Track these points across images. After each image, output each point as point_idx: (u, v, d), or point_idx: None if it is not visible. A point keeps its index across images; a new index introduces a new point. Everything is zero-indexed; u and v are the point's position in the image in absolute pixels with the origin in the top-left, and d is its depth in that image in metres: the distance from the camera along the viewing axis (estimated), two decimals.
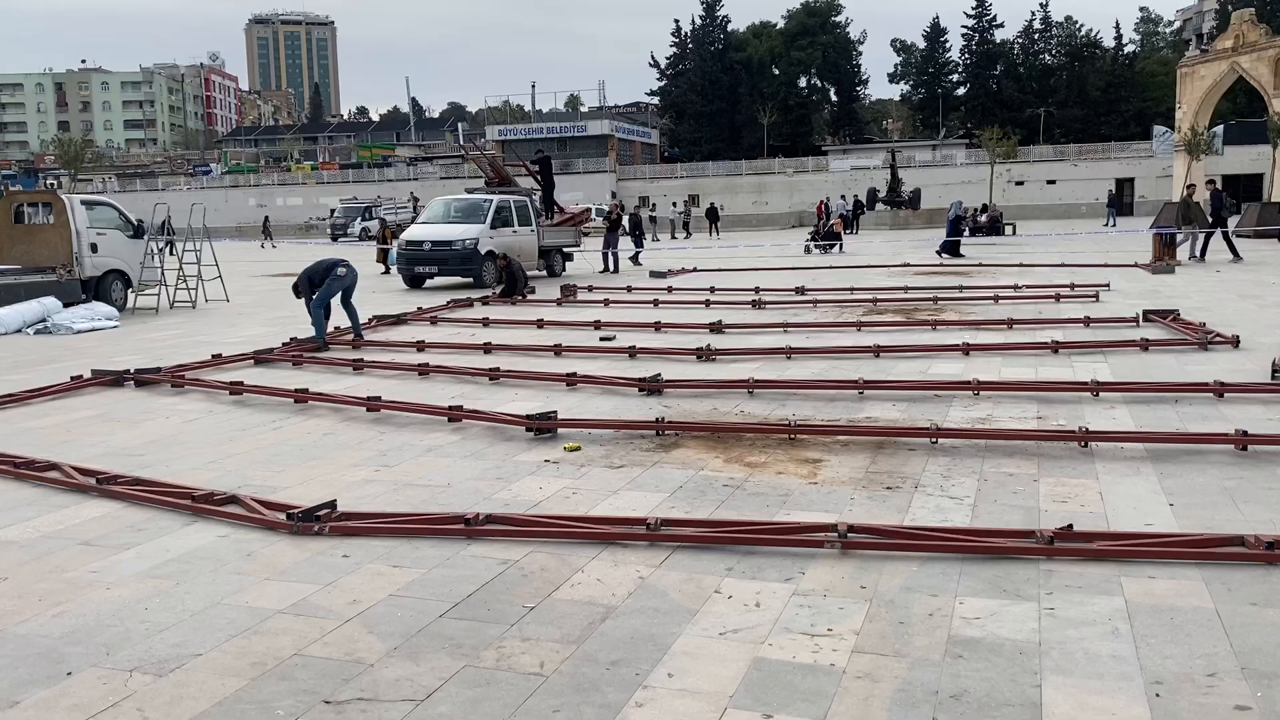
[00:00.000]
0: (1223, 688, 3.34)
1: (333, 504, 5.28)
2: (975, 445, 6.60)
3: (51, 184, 68.45)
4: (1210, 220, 24.34)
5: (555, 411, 7.33)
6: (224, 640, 3.85)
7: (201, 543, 5.02)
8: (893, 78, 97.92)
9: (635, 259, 28.15)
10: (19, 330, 14.75)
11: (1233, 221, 27.77)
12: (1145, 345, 10.37)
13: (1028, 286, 16.72)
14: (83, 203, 17.36)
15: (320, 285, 12.29)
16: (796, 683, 3.45)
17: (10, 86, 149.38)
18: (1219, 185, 27.89)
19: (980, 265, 22.99)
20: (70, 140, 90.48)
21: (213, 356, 10.96)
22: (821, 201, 57.80)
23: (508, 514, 5.14)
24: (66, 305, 15.70)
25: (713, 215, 52.70)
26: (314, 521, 5.05)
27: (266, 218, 60.32)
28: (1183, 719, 3.15)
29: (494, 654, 3.69)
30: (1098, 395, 8.02)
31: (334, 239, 51.91)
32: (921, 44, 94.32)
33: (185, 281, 18.10)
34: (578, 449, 6.71)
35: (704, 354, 10.51)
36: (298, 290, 12.68)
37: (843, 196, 55.27)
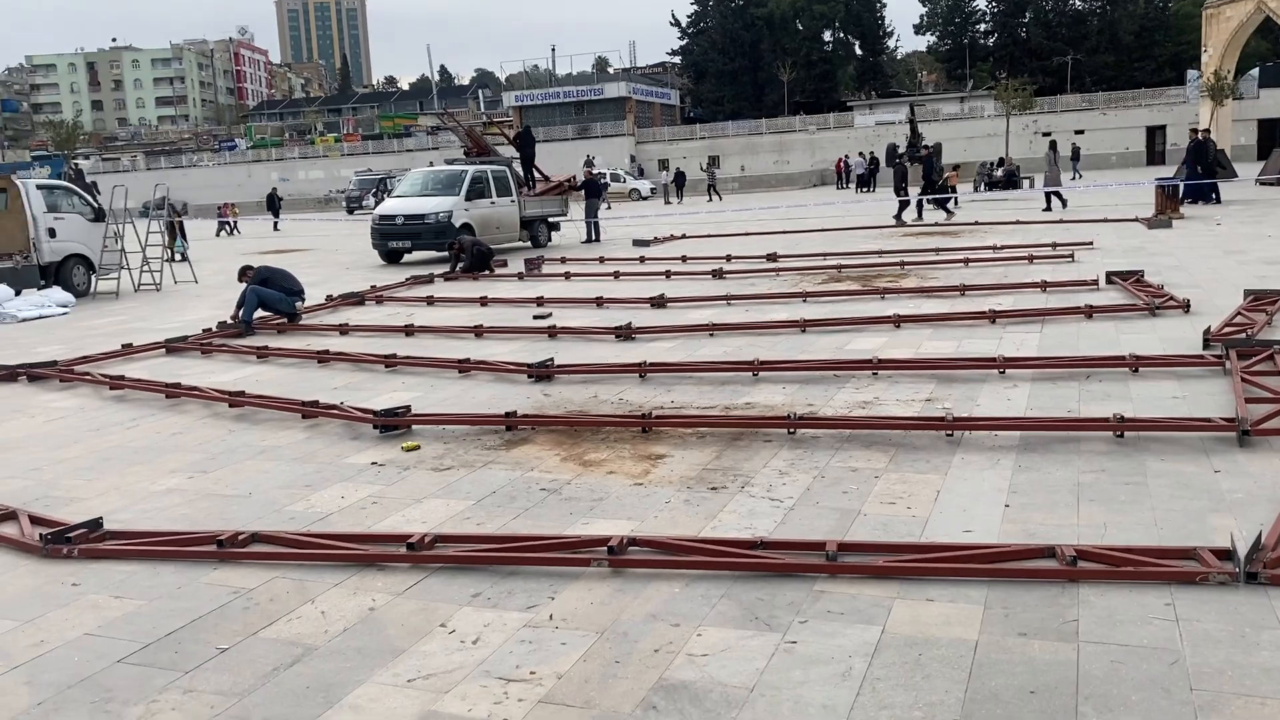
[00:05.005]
0: None
1: (97, 522, 4.93)
2: (838, 435, 6.12)
3: (75, 165, 68.68)
4: (924, 183, 25.65)
5: (408, 406, 6.94)
6: None
7: None
8: (918, 28, 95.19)
9: (919, 211, 25.05)
10: None
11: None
12: (1089, 312, 9.76)
13: (1006, 247, 16.02)
14: (39, 187, 17.16)
15: (272, 291, 12.14)
16: None
17: (44, 68, 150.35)
18: (931, 148, 29.50)
19: (975, 224, 22.19)
20: (63, 122, 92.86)
21: (123, 346, 10.71)
22: (841, 159, 56.86)
23: (274, 533, 4.76)
24: (25, 291, 15.61)
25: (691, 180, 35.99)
26: (64, 543, 4.72)
27: (274, 190, 49.11)
28: None
29: (140, 711, 3.31)
30: (1003, 372, 7.48)
31: (350, 211, 51.67)
32: None
33: (148, 264, 17.89)
34: (416, 448, 6.32)
35: (623, 333, 10.06)
36: (243, 274, 12.50)
37: (861, 154, 54.08)
